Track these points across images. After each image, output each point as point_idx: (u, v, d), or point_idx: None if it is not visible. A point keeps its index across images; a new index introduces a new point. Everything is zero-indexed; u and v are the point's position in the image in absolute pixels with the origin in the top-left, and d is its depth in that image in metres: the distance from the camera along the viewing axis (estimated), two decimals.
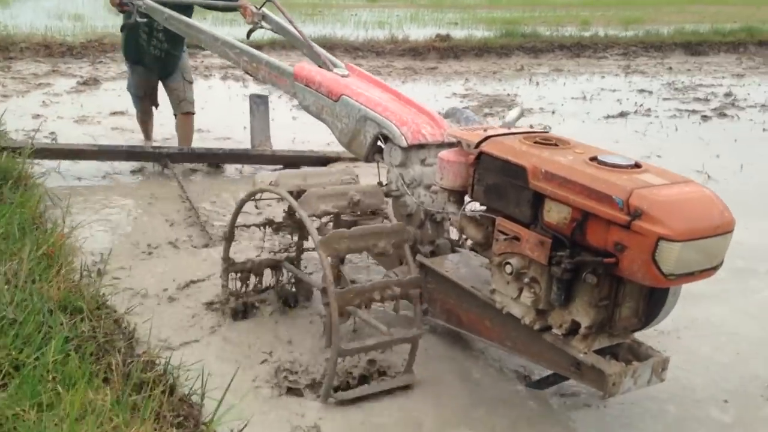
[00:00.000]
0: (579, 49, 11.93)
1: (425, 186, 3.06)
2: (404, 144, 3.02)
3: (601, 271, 2.16)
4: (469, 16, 15.22)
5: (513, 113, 2.86)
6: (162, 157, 5.03)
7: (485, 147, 2.51)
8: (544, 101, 8.42)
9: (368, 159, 3.28)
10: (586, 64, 11.45)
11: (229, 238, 3.05)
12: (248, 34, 4.57)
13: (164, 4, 4.53)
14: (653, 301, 2.33)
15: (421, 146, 3.07)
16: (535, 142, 2.48)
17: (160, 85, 5.45)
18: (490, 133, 2.60)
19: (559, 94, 8.95)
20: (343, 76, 3.51)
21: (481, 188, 2.55)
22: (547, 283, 2.33)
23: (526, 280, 2.39)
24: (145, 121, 5.71)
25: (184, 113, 5.43)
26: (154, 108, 5.65)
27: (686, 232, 1.99)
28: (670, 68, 11.31)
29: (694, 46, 12.55)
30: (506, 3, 18.37)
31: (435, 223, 3.13)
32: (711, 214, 2.07)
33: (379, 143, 3.20)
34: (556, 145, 2.47)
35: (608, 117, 7.81)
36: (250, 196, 2.92)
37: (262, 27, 4.42)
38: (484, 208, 2.64)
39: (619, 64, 11.46)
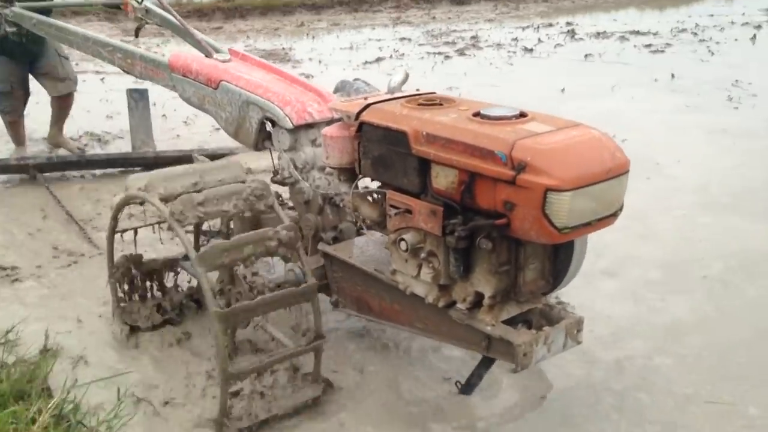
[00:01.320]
0: (357, 4, 13.26)
1: (319, 168, 2.85)
2: (290, 125, 2.80)
3: (495, 234, 1.98)
4: None
5: (397, 77, 2.61)
6: (28, 169, 4.60)
7: (365, 116, 2.29)
8: (315, 53, 9.34)
9: (257, 147, 3.04)
10: (362, 18, 12.75)
11: (109, 248, 2.76)
12: (136, 33, 4.28)
13: (33, 9, 4.24)
14: (559, 260, 2.16)
15: (309, 126, 2.85)
16: (419, 104, 2.28)
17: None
18: (370, 100, 2.39)
19: (330, 46, 9.95)
20: (223, 61, 3.27)
21: (368, 161, 2.33)
22: (444, 255, 2.14)
23: (423, 255, 2.19)
24: (15, 121, 5.13)
25: (66, 95, 5.09)
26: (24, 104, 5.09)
27: (575, 179, 1.81)
28: (434, 17, 12.70)
29: None
30: None
31: (335, 207, 2.91)
32: (601, 158, 1.90)
33: (267, 129, 2.97)
34: (440, 104, 2.27)
35: (366, 63, 8.69)
36: (122, 205, 2.61)
37: (147, 22, 4.15)
38: (377, 183, 2.44)
39: (391, 17, 12.76)
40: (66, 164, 4.77)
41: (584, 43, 10.05)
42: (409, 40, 10.43)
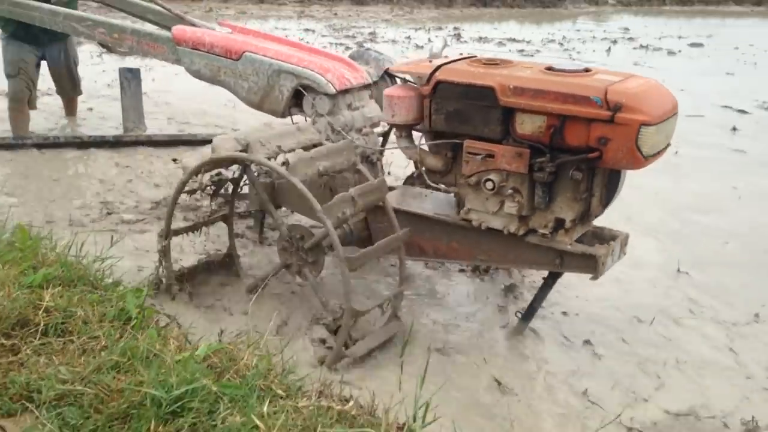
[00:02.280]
0: None
1: (357, 129, 3.09)
2: (333, 91, 3.00)
3: (584, 166, 2.41)
4: None
5: (438, 43, 2.94)
6: (27, 147, 4.59)
7: (441, 76, 2.58)
8: None
9: (285, 114, 3.20)
10: (268, 8, 14.02)
11: (170, 213, 2.81)
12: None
13: None
14: (611, 187, 2.63)
15: (345, 91, 3.07)
16: (484, 64, 2.63)
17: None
18: (439, 62, 2.69)
19: None
20: (229, 33, 3.37)
21: (441, 116, 2.62)
22: (528, 190, 2.52)
23: (509, 191, 2.55)
24: (17, 109, 4.82)
25: (71, 98, 5.23)
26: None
27: (659, 115, 2.29)
28: (336, 14, 14.13)
29: None
30: None
31: (371, 165, 3.18)
32: (667, 99, 2.39)
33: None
34: (501, 64, 2.64)
35: None
36: (213, 165, 2.65)
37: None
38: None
39: (295, 10, 14.15)
40: (60, 144, 4.74)
41: (468, 45, 11.04)
42: (313, 31, 11.40)
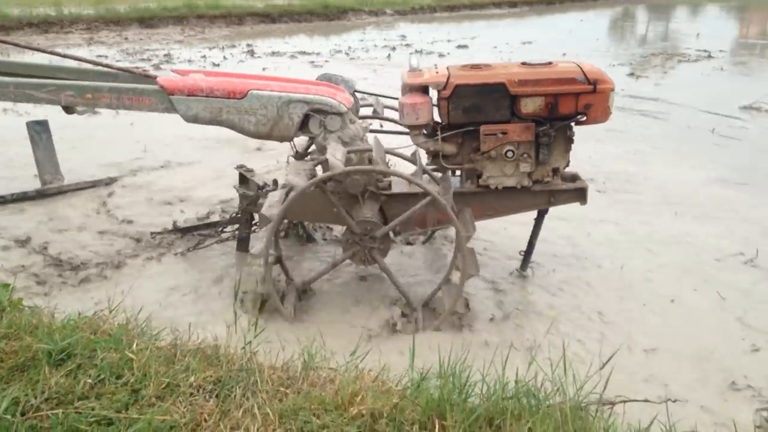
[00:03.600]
0: (47, 26, 14.47)
1: (360, 138, 3.65)
2: (345, 110, 3.54)
3: (572, 126, 3.36)
4: None
5: (414, 60, 3.49)
6: None
7: (457, 81, 3.28)
8: None
9: (294, 137, 3.63)
10: (54, 38, 13.89)
11: (271, 235, 3.24)
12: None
13: None
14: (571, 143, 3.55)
15: (347, 110, 3.60)
16: (472, 68, 3.39)
17: None
18: (448, 72, 3.36)
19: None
20: (206, 76, 3.72)
21: (458, 112, 3.33)
22: (534, 152, 3.40)
23: (523, 155, 3.39)
24: None
25: None
26: None
27: (613, 84, 3.32)
28: (126, 38, 14.45)
29: (147, 21, 16.03)
30: None
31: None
32: (599, 74, 3.34)
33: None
34: (487, 66, 3.41)
35: None
36: (324, 181, 3.23)
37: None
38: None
39: (83, 38, 14.11)
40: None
41: (262, 60, 11.73)
42: (107, 56, 11.57)
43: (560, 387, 2.46)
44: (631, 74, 10.53)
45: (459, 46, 13.79)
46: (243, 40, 14.63)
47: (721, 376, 3.01)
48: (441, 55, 12.53)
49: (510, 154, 3.39)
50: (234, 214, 4.26)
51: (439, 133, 3.41)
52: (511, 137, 3.36)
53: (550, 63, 3.39)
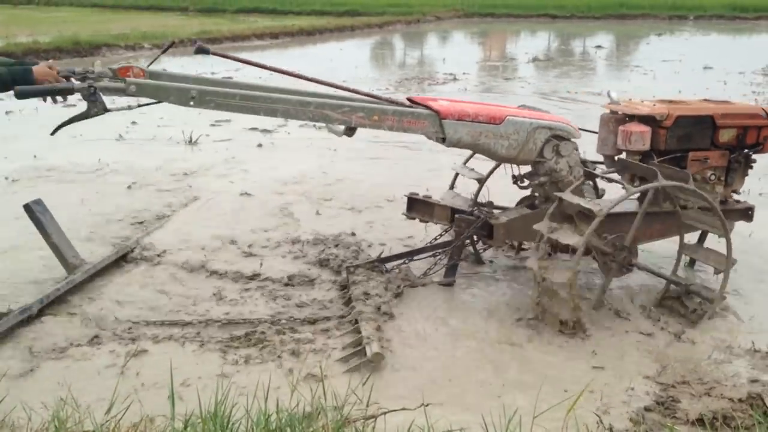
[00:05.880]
0: None
1: (582, 161, 4.06)
2: (579, 136, 3.95)
3: (752, 154, 4.12)
4: None
5: (614, 95, 4.20)
6: None
7: (676, 113, 3.93)
8: None
9: (533, 161, 3.92)
10: None
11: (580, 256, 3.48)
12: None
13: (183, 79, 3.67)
14: None
15: None
16: (671, 102, 4.13)
17: None
18: (667, 104, 4.03)
19: None
20: (451, 102, 3.92)
21: (674, 139, 3.96)
22: (725, 174, 4.08)
23: (720, 178, 4.06)
24: None
25: None
26: None
27: None
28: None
29: None
30: None
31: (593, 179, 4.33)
32: None
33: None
34: (682, 101, 4.20)
35: None
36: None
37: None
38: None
39: None
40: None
41: None
42: None
43: (321, 409, 2.53)
44: None
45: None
46: None
47: None
48: None
49: (713, 177, 4.02)
50: (436, 239, 4.32)
51: (654, 158, 3.93)
52: (711, 162, 4.03)
53: (726, 101, 4.32)
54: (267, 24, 24.94)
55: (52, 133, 3.32)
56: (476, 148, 3.88)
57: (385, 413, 2.66)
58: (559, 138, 3.86)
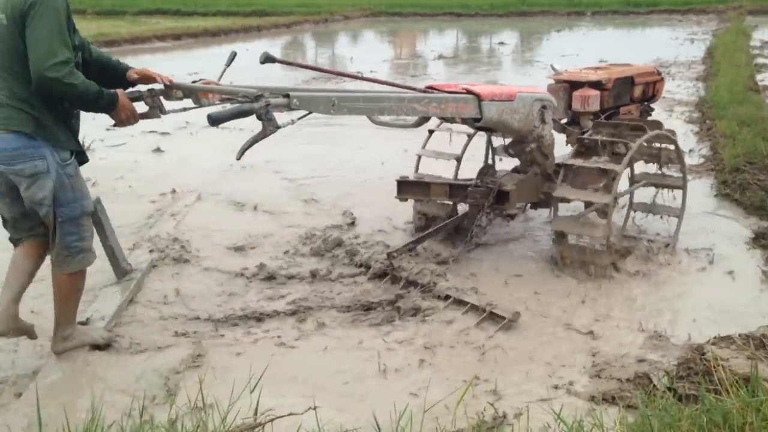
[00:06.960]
0: None
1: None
2: (556, 104, 4.50)
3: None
4: None
5: (557, 66, 5.24)
6: None
7: (613, 77, 4.80)
8: None
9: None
10: None
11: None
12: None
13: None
14: None
15: None
16: (598, 69, 5.01)
17: None
18: (603, 71, 4.91)
19: None
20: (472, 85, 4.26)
21: (612, 98, 4.80)
22: None
23: None
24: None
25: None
26: None
27: None
28: None
29: None
30: None
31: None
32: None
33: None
34: (606, 67, 5.14)
35: None
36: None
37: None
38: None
39: None
40: None
41: None
42: None
43: (200, 423, 2.41)
44: None
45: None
46: None
47: None
48: None
49: None
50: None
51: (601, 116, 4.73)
52: (634, 115, 4.92)
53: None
54: (169, 25, 24.20)
55: (238, 158, 3.20)
56: (497, 125, 4.23)
57: (272, 419, 2.57)
58: (544, 107, 4.36)
